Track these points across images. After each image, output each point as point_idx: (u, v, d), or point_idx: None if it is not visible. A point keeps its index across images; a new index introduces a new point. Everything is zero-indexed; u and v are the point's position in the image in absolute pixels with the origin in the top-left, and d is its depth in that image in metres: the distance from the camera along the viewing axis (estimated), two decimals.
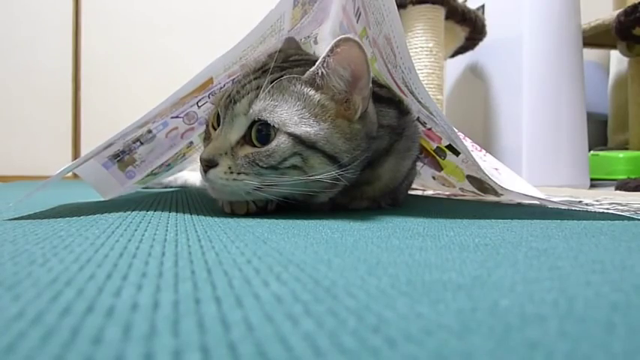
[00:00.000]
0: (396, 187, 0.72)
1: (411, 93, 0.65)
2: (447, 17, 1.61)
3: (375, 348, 0.17)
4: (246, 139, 0.57)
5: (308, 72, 0.59)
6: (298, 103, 0.58)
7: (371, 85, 0.60)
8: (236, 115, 0.58)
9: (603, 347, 0.17)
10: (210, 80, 0.67)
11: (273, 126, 0.56)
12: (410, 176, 0.78)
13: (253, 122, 0.57)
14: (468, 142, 0.77)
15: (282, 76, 0.59)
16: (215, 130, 0.62)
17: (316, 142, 0.57)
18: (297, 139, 0.56)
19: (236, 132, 0.58)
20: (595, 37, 1.99)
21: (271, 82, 0.58)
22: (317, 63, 0.58)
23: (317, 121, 0.58)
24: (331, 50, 0.57)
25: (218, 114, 0.61)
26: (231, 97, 0.59)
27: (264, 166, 0.56)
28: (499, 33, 1.75)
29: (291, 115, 0.57)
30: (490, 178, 0.69)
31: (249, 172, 0.56)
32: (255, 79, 0.60)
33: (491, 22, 1.75)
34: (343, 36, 0.56)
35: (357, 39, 0.56)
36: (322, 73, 0.58)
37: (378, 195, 0.69)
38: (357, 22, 0.74)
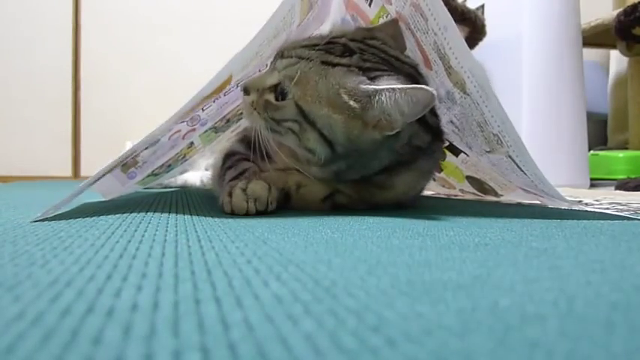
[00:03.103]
0: (405, 201, 0.72)
1: (441, 59, 0.64)
2: None
3: (375, 348, 0.17)
4: (272, 89, 0.63)
5: (364, 86, 0.58)
6: (326, 93, 0.60)
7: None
8: (275, 68, 0.64)
9: (603, 347, 0.17)
10: (229, 80, 0.67)
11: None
12: (421, 191, 0.79)
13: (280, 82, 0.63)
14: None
15: (336, 64, 0.60)
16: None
17: (316, 122, 0.61)
18: (301, 111, 0.61)
19: (270, 80, 0.63)
20: (595, 37, 1.98)
21: (322, 62, 0.61)
22: (381, 87, 0.58)
23: (331, 108, 0.60)
24: (403, 90, 0.56)
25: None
26: (282, 50, 0.64)
27: (270, 116, 0.63)
28: (499, 33, 1.75)
29: (309, 94, 0.60)
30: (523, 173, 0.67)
31: (261, 113, 0.63)
32: (314, 47, 0.63)
33: (491, 22, 1.75)
34: (418, 86, 0.57)
35: (432, 90, 0.56)
36: (373, 98, 0.58)
37: (387, 203, 0.69)
38: (370, 5, 0.73)
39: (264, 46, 0.66)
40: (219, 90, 0.68)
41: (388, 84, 0.58)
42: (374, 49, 0.64)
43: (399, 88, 0.57)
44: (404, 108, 0.57)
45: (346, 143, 0.61)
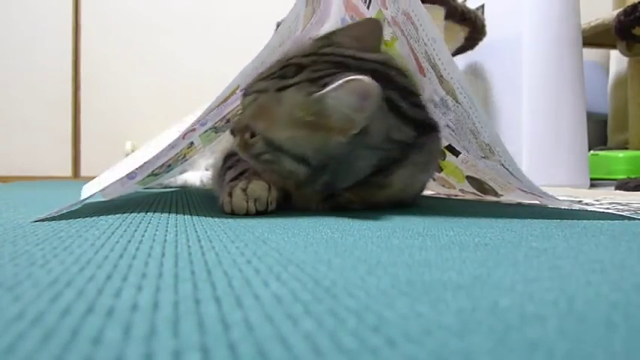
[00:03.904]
0: (407, 199, 0.72)
1: (433, 67, 0.64)
2: (447, 17, 1.61)
3: (375, 348, 0.17)
4: (246, 128, 0.64)
5: (311, 97, 0.59)
6: (284, 117, 0.61)
7: (381, 103, 0.59)
8: (244, 107, 0.65)
9: (603, 347, 0.17)
10: (235, 90, 0.68)
11: None
12: (422, 189, 0.79)
13: None
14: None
15: (288, 86, 0.61)
16: None
17: (283, 146, 0.61)
18: (269, 142, 0.62)
19: (243, 121, 0.65)
20: (595, 37, 1.98)
21: (276, 90, 0.61)
22: (324, 91, 0.58)
23: (292, 129, 0.61)
24: (340, 86, 0.56)
25: None
26: (246, 88, 0.65)
27: (250, 153, 0.64)
28: (499, 33, 1.75)
29: (271, 124, 0.62)
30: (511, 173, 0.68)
31: (246, 152, 0.65)
32: (269, 77, 0.64)
33: (491, 22, 1.75)
34: (353, 76, 0.56)
35: (366, 78, 0.55)
36: (322, 104, 0.58)
37: (388, 202, 0.69)
38: (369, 7, 0.74)
39: (270, 54, 0.67)
40: (225, 100, 0.68)
41: (331, 85, 0.57)
42: (327, 57, 0.64)
43: (337, 85, 0.56)
44: (351, 103, 0.57)
45: (317, 155, 0.61)
